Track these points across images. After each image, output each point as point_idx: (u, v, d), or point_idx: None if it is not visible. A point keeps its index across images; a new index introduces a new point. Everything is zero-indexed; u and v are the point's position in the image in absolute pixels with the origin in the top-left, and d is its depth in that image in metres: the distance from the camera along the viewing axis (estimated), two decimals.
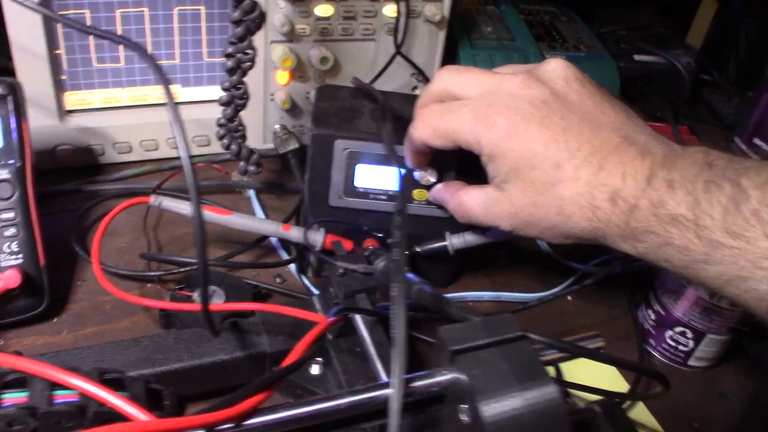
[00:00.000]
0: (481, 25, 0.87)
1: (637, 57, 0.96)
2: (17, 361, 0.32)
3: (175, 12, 0.69)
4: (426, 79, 0.77)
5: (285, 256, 0.65)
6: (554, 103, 0.47)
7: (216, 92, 0.63)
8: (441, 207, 0.59)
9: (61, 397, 0.35)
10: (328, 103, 0.62)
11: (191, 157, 0.72)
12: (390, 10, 0.73)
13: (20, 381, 0.36)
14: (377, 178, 0.59)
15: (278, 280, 0.63)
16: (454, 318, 0.43)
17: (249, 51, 0.60)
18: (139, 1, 0.67)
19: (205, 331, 0.52)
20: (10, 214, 0.56)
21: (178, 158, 0.71)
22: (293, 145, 0.71)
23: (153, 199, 0.57)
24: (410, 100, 0.59)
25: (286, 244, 0.65)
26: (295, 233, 0.59)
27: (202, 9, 0.69)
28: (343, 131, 0.58)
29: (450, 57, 0.81)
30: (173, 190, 0.66)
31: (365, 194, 0.60)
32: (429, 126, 0.52)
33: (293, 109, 0.74)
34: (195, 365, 0.50)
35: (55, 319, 0.58)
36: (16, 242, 0.56)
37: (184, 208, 0.57)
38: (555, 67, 0.49)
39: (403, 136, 0.55)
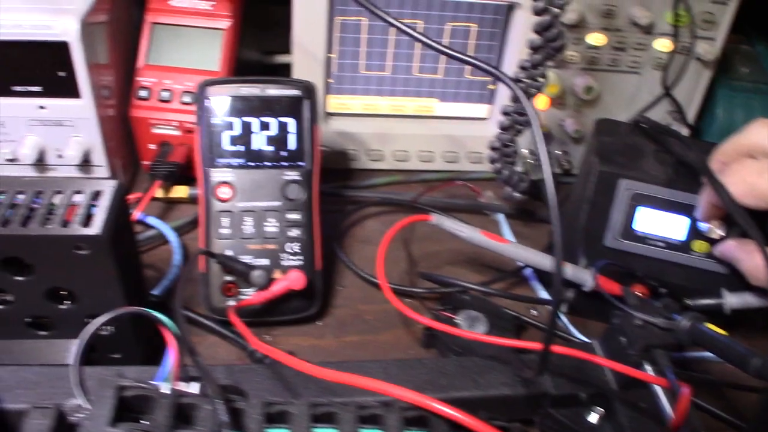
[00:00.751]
0: (737, 65, 0.82)
1: None
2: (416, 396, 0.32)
3: (448, 27, 0.68)
4: (684, 120, 0.74)
5: (538, 287, 0.63)
6: None
7: (469, 110, 0.62)
8: (723, 262, 0.56)
9: None
10: (610, 139, 0.60)
11: (439, 171, 0.73)
12: (662, 45, 0.70)
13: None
14: (658, 223, 0.57)
15: (534, 312, 0.61)
16: None
17: (540, 78, 0.59)
18: (416, 13, 0.67)
19: (486, 362, 0.51)
20: (297, 216, 0.57)
21: (425, 171, 0.72)
22: None
23: (435, 219, 0.57)
24: (696, 144, 0.56)
25: (542, 276, 0.63)
26: (568, 270, 0.57)
27: (474, 27, 0.69)
28: (630, 171, 0.56)
29: (705, 97, 0.77)
30: (428, 204, 0.66)
31: (643, 239, 0.57)
32: (745, 183, 0.49)
33: (546, 136, 0.73)
34: (477, 396, 0.49)
35: (319, 323, 0.59)
36: (299, 244, 0.56)
37: (464, 231, 0.57)
38: None
39: (689, 182, 0.52)
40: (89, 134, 0.61)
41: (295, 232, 0.56)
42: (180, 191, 0.66)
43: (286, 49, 0.71)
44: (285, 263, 0.56)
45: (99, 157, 0.63)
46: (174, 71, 0.67)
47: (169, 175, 0.65)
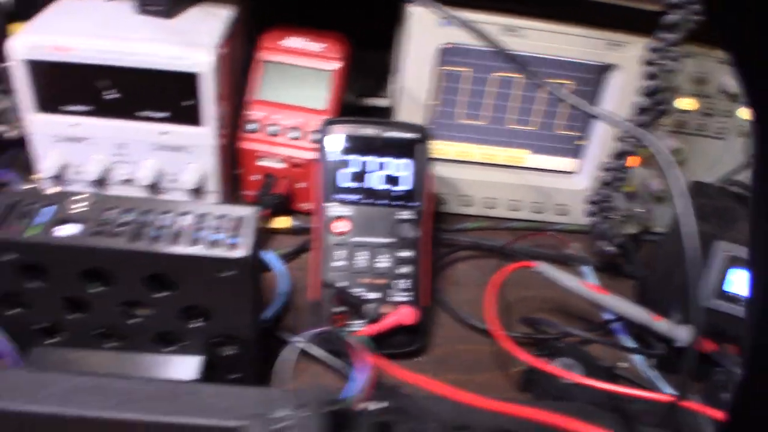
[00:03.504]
0: None
1: None
2: None
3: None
4: None
5: (627, 340, 0.64)
6: None
7: (558, 163, 0.65)
8: None
9: None
10: (703, 200, 0.62)
11: (525, 221, 0.75)
12: (747, 114, 0.73)
13: None
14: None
15: (625, 365, 0.62)
16: None
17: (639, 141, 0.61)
18: (520, 69, 0.70)
19: (593, 409, 0.52)
20: (408, 254, 0.59)
21: (511, 219, 0.74)
22: (632, 230, 0.71)
23: (539, 267, 0.59)
24: None
25: (632, 329, 0.64)
26: (663, 325, 0.59)
27: (571, 84, 0.71)
28: (725, 232, 0.58)
29: None
30: (516, 252, 0.68)
31: (734, 299, 0.59)
32: None
33: (631, 194, 0.75)
34: None
35: (419, 359, 0.60)
36: (408, 281, 0.58)
37: (567, 280, 0.59)
38: None
39: None
40: (206, 161, 0.64)
41: (405, 269, 0.58)
42: (283, 222, 0.68)
43: (373, 92, 0.75)
44: (394, 299, 0.58)
45: (212, 184, 0.65)
46: (282, 107, 0.69)
47: (277, 205, 0.67)
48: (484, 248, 0.70)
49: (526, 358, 0.53)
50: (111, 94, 0.62)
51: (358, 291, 0.57)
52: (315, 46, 0.71)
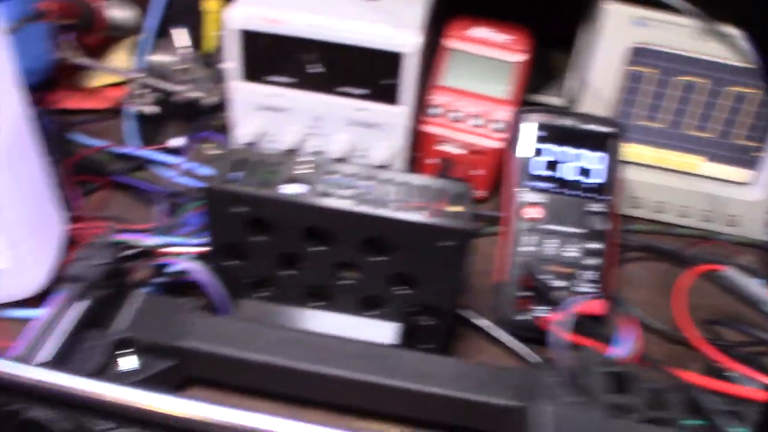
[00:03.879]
0: None
1: None
2: None
3: (728, 90, 0.70)
4: None
5: None
6: None
7: (732, 173, 0.68)
8: None
9: None
10: None
11: (692, 228, 0.74)
12: None
13: None
14: None
15: None
16: None
17: None
18: (706, 74, 0.70)
19: None
20: (596, 246, 0.59)
21: (679, 226, 0.73)
22: None
23: (728, 270, 0.58)
24: None
25: None
26: None
27: (757, 94, 0.70)
28: None
29: None
30: (687, 258, 0.68)
31: None
32: None
33: None
34: None
35: None
36: (594, 273, 0.59)
37: (755, 288, 0.58)
38: None
39: None
40: (397, 140, 0.66)
41: (592, 261, 0.59)
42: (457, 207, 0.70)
43: (543, 89, 0.78)
44: (579, 289, 0.58)
45: (398, 163, 0.67)
46: (465, 95, 0.71)
47: None
48: (656, 251, 0.70)
49: (734, 366, 0.52)
50: (315, 68, 0.64)
51: (544, 278, 0.58)
52: (500, 37, 0.72)
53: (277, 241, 0.51)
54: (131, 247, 0.54)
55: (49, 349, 0.48)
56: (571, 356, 0.49)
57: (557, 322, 0.52)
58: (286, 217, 0.50)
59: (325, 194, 0.50)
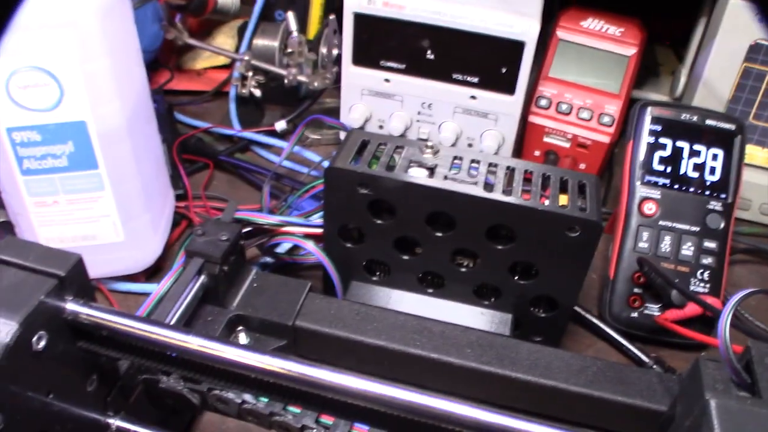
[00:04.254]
0: None
1: None
2: None
3: None
4: None
5: None
6: None
7: None
8: None
9: None
10: None
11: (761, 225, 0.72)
12: None
13: None
14: None
15: None
16: None
17: None
18: None
19: None
20: (713, 245, 0.58)
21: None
22: None
23: None
24: None
25: None
26: None
27: None
28: None
29: None
30: None
31: None
32: None
33: None
34: None
35: (703, 353, 0.59)
36: (709, 272, 0.57)
37: None
38: None
39: None
40: (508, 130, 0.66)
41: (708, 260, 0.58)
42: (562, 200, 0.69)
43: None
44: (693, 288, 0.57)
45: (506, 152, 0.67)
46: (574, 87, 0.70)
47: None
48: (764, 254, 0.68)
49: None
50: (428, 54, 0.64)
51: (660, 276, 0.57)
52: (613, 29, 0.71)
53: (399, 225, 0.51)
54: (251, 224, 0.55)
55: (171, 320, 0.48)
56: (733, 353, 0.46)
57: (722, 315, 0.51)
58: (411, 201, 0.50)
59: (451, 179, 0.49)
